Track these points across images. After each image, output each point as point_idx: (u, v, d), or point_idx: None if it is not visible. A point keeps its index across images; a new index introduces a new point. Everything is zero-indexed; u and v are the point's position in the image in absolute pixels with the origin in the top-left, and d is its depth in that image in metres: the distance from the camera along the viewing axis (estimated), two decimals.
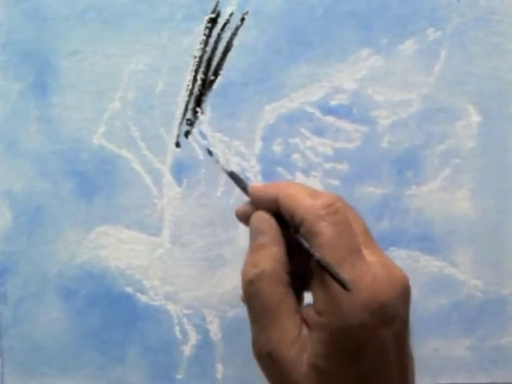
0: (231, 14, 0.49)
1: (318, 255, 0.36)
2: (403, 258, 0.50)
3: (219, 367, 0.51)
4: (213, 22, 0.49)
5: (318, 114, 0.49)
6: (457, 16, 0.49)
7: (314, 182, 0.50)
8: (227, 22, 0.49)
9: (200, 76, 0.49)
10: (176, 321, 0.51)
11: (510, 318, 0.50)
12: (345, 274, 0.35)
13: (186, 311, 0.51)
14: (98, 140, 0.50)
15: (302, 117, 0.49)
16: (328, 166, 0.50)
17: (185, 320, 0.51)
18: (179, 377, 0.51)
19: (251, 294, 0.38)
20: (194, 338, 0.51)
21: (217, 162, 0.49)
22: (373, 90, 0.49)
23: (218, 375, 0.51)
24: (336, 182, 0.50)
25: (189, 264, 0.50)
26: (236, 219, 0.50)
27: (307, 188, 0.39)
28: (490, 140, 0.49)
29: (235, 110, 0.50)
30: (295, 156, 0.50)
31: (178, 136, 0.50)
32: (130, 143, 0.50)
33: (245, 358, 0.50)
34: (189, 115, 0.50)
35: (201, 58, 0.49)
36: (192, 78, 0.49)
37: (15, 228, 0.51)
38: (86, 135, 0.50)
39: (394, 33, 0.49)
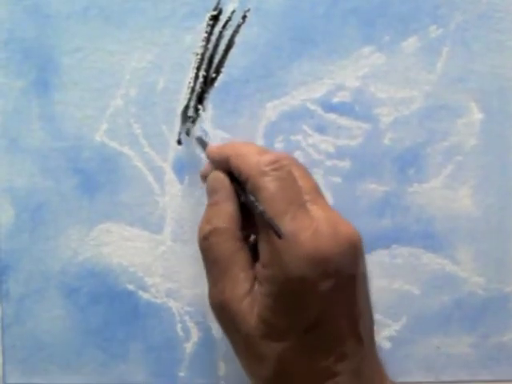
0: (233, 12, 0.49)
1: (260, 208, 0.38)
2: (405, 256, 0.50)
3: (221, 364, 0.51)
4: (215, 19, 0.49)
5: (319, 111, 0.49)
6: (459, 13, 0.49)
7: (316, 179, 0.49)
8: (229, 19, 0.49)
9: (202, 73, 0.49)
10: (178, 318, 0.51)
11: None
12: (285, 225, 0.37)
13: (187, 308, 0.51)
14: (100, 137, 0.50)
15: (304, 114, 0.49)
16: (330, 163, 0.50)
17: (187, 317, 0.51)
18: (181, 374, 0.51)
19: (205, 249, 0.41)
20: (195, 335, 0.51)
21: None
22: (375, 88, 0.49)
23: (220, 372, 0.51)
24: (338, 180, 0.50)
25: (191, 261, 0.50)
26: None
27: (258, 147, 0.42)
28: (492, 137, 0.49)
29: (237, 108, 0.50)
30: (297, 153, 0.49)
31: (180, 133, 0.50)
32: (131, 140, 0.50)
33: None
34: (190, 112, 0.50)
35: (202, 55, 0.49)
36: (194, 75, 0.49)
37: (17, 225, 0.51)
38: (88, 132, 0.50)
39: (397, 30, 0.49)
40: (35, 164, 0.50)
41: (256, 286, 0.38)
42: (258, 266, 0.39)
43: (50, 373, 0.51)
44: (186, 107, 0.50)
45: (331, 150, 0.50)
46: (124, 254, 0.51)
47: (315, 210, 0.38)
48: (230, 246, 0.40)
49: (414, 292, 0.50)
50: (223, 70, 0.49)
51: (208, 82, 0.49)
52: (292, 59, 0.49)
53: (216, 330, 0.51)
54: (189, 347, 0.51)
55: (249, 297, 0.38)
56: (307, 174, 0.41)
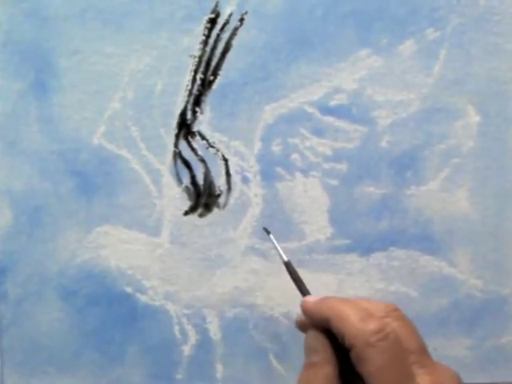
0: (231, 14, 0.49)
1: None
2: (403, 258, 0.50)
3: (219, 367, 0.51)
4: (212, 22, 0.49)
5: (317, 113, 0.49)
6: (456, 16, 0.49)
7: (314, 182, 0.50)
8: (227, 22, 0.49)
9: (199, 76, 0.49)
10: (176, 320, 0.51)
11: (509, 317, 0.50)
12: None
13: (185, 311, 0.51)
14: (98, 140, 0.50)
15: (302, 117, 0.50)
16: (327, 166, 0.50)
17: (184, 320, 0.51)
18: (179, 376, 0.51)
19: None
20: (193, 337, 0.51)
21: (274, 246, 0.47)
22: (372, 90, 0.49)
23: (218, 375, 0.51)
24: (335, 182, 0.50)
25: (188, 264, 0.50)
26: (236, 219, 0.50)
27: (359, 308, 0.39)
28: (489, 140, 0.49)
29: (234, 110, 0.50)
30: (294, 156, 0.50)
31: (178, 136, 0.50)
32: (129, 143, 0.50)
33: (244, 357, 0.51)
34: (188, 115, 0.50)
35: (200, 57, 0.49)
36: (191, 77, 0.49)
37: (15, 227, 0.51)
38: (86, 135, 0.50)
39: (394, 33, 0.49)
40: (33, 166, 0.50)
41: None
42: None
43: (48, 375, 0.51)
44: (184, 110, 0.50)
45: (329, 152, 0.50)
46: (122, 257, 0.51)
47: (421, 374, 0.37)
48: None
49: (411, 294, 0.50)
50: (221, 72, 0.49)
51: (206, 85, 0.50)
52: (290, 62, 0.49)
53: (214, 332, 0.51)
54: (186, 349, 0.51)
55: None
56: (413, 331, 0.39)
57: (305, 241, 0.50)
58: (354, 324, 0.37)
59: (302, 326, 0.43)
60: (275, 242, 0.46)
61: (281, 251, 0.46)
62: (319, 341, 0.40)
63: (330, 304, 0.40)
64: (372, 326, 0.37)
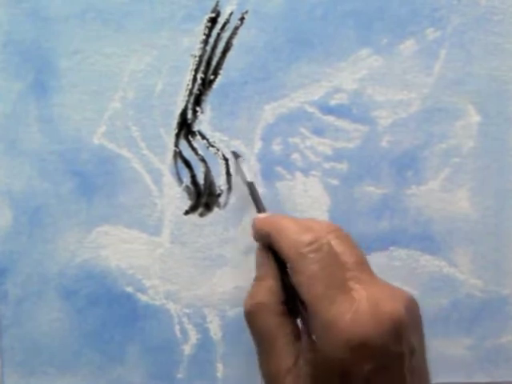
0: (231, 14, 0.49)
1: (297, 295, 0.38)
2: (403, 258, 0.50)
3: (219, 366, 0.51)
4: (213, 21, 0.49)
5: (317, 113, 0.49)
6: (457, 16, 0.49)
7: (314, 182, 0.50)
8: (227, 21, 0.49)
9: (200, 75, 0.49)
10: (176, 320, 0.51)
11: (509, 317, 0.50)
12: (323, 310, 0.36)
13: (186, 310, 0.51)
14: (99, 140, 0.50)
15: (302, 116, 0.50)
16: (328, 165, 0.50)
17: (185, 319, 0.51)
18: (179, 376, 0.51)
19: (249, 324, 0.41)
20: (194, 337, 0.51)
21: (239, 168, 0.49)
22: (373, 90, 0.49)
23: (219, 374, 0.51)
24: (335, 182, 0.50)
25: (189, 263, 0.50)
26: (235, 218, 0.50)
27: (298, 223, 0.40)
28: (489, 140, 0.49)
29: (235, 110, 0.50)
30: (295, 155, 0.50)
31: (178, 135, 0.50)
32: (130, 143, 0.50)
33: (245, 357, 0.51)
34: (189, 115, 0.50)
35: (200, 57, 0.49)
36: (192, 77, 0.49)
37: (15, 228, 0.51)
38: (86, 135, 0.50)
39: (394, 33, 0.49)
40: (33, 166, 0.50)
41: (300, 362, 0.38)
42: (303, 343, 0.38)
43: (48, 375, 0.51)
44: (185, 109, 0.50)
45: (329, 152, 0.50)
46: (122, 257, 0.51)
47: (357, 288, 0.37)
48: (272, 321, 0.40)
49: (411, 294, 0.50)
50: (221, 72, 0.49)
51: (206, 85, 0.50)
52: (290, 61, 0.49)
53: (214, 331, 0.51)
54: (187, 349, 0.51)
55: (292, 372, 0.38)
56: (351, 247, 0.39)
57: None
58: (289, 236, 0.39)
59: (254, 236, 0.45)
60: (240, 165, 0.48)
61: (245, 173, 0.48)
62: (263, 256, 0.42)
63: (272, 219, 0.42)
64: (307, 237, 0.38)
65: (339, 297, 0.36)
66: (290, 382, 0.38)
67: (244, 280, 0.50)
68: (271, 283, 0.41)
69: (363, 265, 0.39)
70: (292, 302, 0.40)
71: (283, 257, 0.39)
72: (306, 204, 0.50)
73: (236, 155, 0.49)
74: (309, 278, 0.37)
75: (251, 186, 0.47)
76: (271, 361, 0.39)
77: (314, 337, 0.36)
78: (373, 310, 0.36)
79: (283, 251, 0.39)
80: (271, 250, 0.41)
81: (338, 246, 0.38)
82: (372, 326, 0.35)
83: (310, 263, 0.37)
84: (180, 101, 0.50)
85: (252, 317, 0.41)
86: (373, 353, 0.35)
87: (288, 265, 0.39)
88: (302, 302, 0.38)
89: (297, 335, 0.39)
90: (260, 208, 0.46)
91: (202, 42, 0.49)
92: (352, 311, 0.36)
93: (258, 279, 0.42)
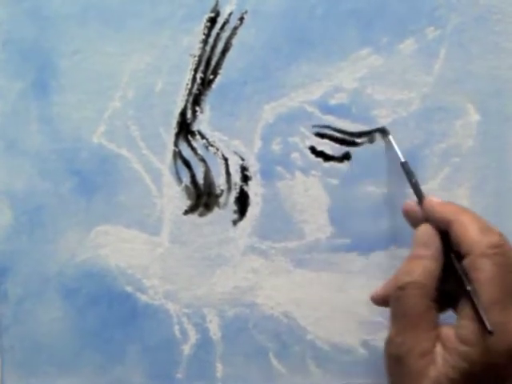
0: (230, 14, 0.49)
1: (470, 287, 0.38)
2: (403, 257, 0.49)
3: (219, 366, 0.51)
4: (212, 21, 0.49)
5: (317, 113, 0.49)
6: (456, 15, 0.49)
7: (314, 181, 0.50)
8: (226, 21, 0.49)
9: (199, 75, 0.49)
10: (176, 320, 0.51)
11: None
12: (494, 315, 0.37)
13: (185, 310, 0.51)
14: (98, 139, 0.50)
15: (302, 116, 0.49)
16: (327, 165, 0.50)
17: (184, 319, 0.51)
18: (179, 376, 0.51)
19: (398, 298, 0.41)
20: (193, 337, 0.51)
21: (391, 145, 0.48)
22: (372, 89, 0.49)
23: (218, 374, 0.51)
24: (335, 181, 0.50)
25: (188, 263, 0.50)
26: (237, 218, 0.50)
27: (480, 220, 0.41)
28: (489, 139, 0.49)
29: (234, 109, 0.50)
30: (294, 155, 0.50)
31: (178, 135, 0.50)
32: (129, 142, 0.50)
33: (244, 356, 0.51)
34: (188, 114, 0.50)
35: (200, 57, 0.49)
36: (191, 77, 0.50)
37: (15, 227, 0.51)
38: (86, 134, 0.50)
39: (394, 32, 0.49)
40: (33, 166, 0.50)
41: (438, 349, 0.39)
42: (449, 332, 0.39)
43: (48, 374, 0.51)
44: (184, 109, 0.50)
45: (329, 151, 0.50)
46: (122, 256, 0.51)
47: None
48: (423, 304, 0.40)
49: None
50: (221, 71, 0.49)
51: (205, 84, 0.50)
52: (290, 61, 0.49)
53: (214, 331, 0.51)
54: (186, 349, 0.51)
55: (428, 357, 0.39)
56: None
57: (305, 240, 0.50)
58: (475, 233, 0.39)
59: (408, 212, 0.45)
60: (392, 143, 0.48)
61: (398, 151, 0.47)
62: (432, 237, 0.42)
63: (454, 209, 0.42)
64: (492, 239, 0.39)
65: (510, 304, 0.38)
66: (422, 365, 0.38)
67: (243, 280, 0.50)
68: (434, 266, 0.41)
69: None
70: (442, 289, 0.41)
71: (463, 249, 0.39)
72: (305, 203, 0.50)
73: (385, 132, 0.49)
74: (489, 278, 0.38)
75: (405, 166, 0.47)
76: (408, 340, 0.39)
77: (489, 329, 0.37)
78: None
79: (465, 244, 0.39)
80: (441, 234, 0.42)
81: (510, 253, 0.39)
82: None
83: (493, 264, 0.38)
84: (180, 100, 0.50)
85: (404, 293, 0.40)
86: None
87: (467, 259, 0.39)
88: (475, 293, 0.38)
89: (437, 323, 0.40)
90: (418, 190, 0.45)
91: (201, 42, 0.49)
92: None
93: (417, 257, 0.42)
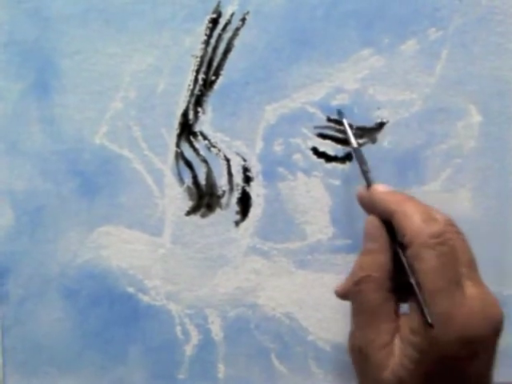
0: (232, 14, 0.49)
1: (414, 280, 0.39)
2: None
3: (221, 367, 0.51)
4: (214, 22, 0.49)
5: (319, 114, 0.49)
6: (458, 16, 0.49)
7: (315, 182, 0.50)
8: (228, 22, 0.49)
9: (201, 76, 0.49)
10: (177, 321, 0.51)
11: (509, 317, 0.50)
12: (441, 304, 0.38)
13: (187, 311, 0.51)
14: (100, 140, 0.50)
15: (304, 117, 0.49)
16: (329, 165, 0.50)
17: (186, 320, 0.51)
18: (181, 376, 0.51)
19: (355, 293, 0.41)
20: (195, 337, 0.51)
21: (344, 128, 0.48)
22: (374, 90, 0.49)
23: (220, 375, 0.51)
24: (337, 182, 0.50)
25: (190, 264, 0.50)
26: (239, 219, 0.50)
27: (423, 208, 0.41)
28: (491, 140, 0.49)
29: (236, 110, 0.50)
30: (296, 156, 0.50)
31: (180, 136, 0.50)
32: (131, 143, 0.50)
33: (246, 357, 0.51)
34: (190, 115, 0.50)
35: (202, 58, 0.49)
36: (193, 78, 0.49)
37: (17, 228, 0.51)
38: (88, 135, 0.50)
39: (396, 33, 0.49)
40: (35, 167, 0.50)
41: (396, 340, 0.39)
42: (404, 323, 0.40)
43: (50, 375, 0.51)
44: (186, 110, 0.50)
45: (331, 152, 0.50)
46: (123, 257, 0.51)
47: (469, 286, 0.39)
48: (379, 296, 0.40)
49: None
50: (222, 72, 0.49)
51: (207, 85, 0.50)
52: (291, 62, 0.49)
53: (216, 332, 0.51)
54: (188, 350, 0.51)
55: (387, 348, 0.39)
56: (466, 245, 0.41)
57: (306, 241, 0.50)
58: (417, 224, 0.39)
59: (360, 198, 0.45)
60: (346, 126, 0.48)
61: (351, 136, 0.47)
62: (378, 230, 0.42)
63: (397, 198, 0.42)
64: (434, 228, 0.39)
65: (456, 292, 0.38)
66: (382, 356, 0.39)
67: (245, 280, 0.50)
68: (383, 258, 0.41)
69: (473, 262, 0.40)
70: (397, 279, 0.41)
71: (406, 240, 0.39)
72: (307, 204, 0.50)
73: (340, 114, 0.49)
74: (432, 268, 0.38)
75: (357, 152, 0.47)
76: (367, 333, 0.40)
77: (429, 322, 0.37)
78: (483, 310, 0.38)
79: (407, 235, 0.39)
80: (385, 225, 0.42)
81: (456, 241, 0.40)
82: (482, 325, 0.38)
83: (435, 255, 0.38)
84: (181, 101, 0.50)
85: (359, 288, 0.41)
86: (477, 351, 0.38)
87: (409, 250, 0.39)
88: (418, 284, 0.38)
89: (396, 313, 0.41)
90: (368, 177, 0.45)
91: (203, 43, 0.49)
92: (466, 307, 0.38)
93: (368, 252, 0.42)
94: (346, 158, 0.49)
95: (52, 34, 0.50)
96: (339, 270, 0.50)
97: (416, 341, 0.38)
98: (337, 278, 0.50)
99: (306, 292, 0.50)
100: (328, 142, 0.49)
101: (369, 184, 0.45)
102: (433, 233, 0.39)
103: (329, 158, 0.50)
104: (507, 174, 0.49)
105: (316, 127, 0.49)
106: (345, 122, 0.48)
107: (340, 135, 0.49)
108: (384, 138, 0.49)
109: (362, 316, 0.41)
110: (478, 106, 0.49)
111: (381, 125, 0.49)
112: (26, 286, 0.51)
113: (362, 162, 0.46)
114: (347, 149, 0.49)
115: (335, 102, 0.49)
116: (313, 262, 0.50)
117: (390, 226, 0.42)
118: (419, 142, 0.49)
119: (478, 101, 0.49)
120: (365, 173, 0.45)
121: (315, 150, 0.50)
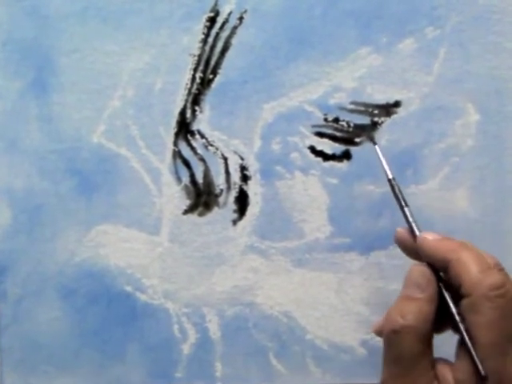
0: (230, 13, 0.49)
1: (466, 332, 0.37)
2: (403, 257, 0.50)
3: (218, 366, 0.51)
4: (211, 20, 0.49)
5: (317, 112, 0.49)
6: (456, 15, 0.49)
7: (313, 181, 0.50)
8: (226, 20, 0.49)
9: (199, 75, 0.49)
10: (175, 319, 0.51)
11: None
12: (492, 360, 0.36)
13: (185, 310, 0.51)
14: (98, 138, 0.50)
15: (301, 115, 0.49)
16: (327, 164, 0.50)
17: (184, 318, 0.51)
18: (178, 375, 0.51)
19: (392, 341, 0.39)
20: (193, 336, 0.51)
21: (380, 160, 0.45)
22: (372, 89, 0.49)
23: (217, 373, 0.51)
24: (335, 181, 0.50)
25: (188, 262, 0.50)
26: (237, 218, 0.50)
27: (479, 257, 0.39)
28: (488, 138, 0.49)
29: (234, 109, 0.50)
30: (294, 155, 0.50)
31: (177, 134, 0.50)
32: (129, 142, 0.50)
33: (244, 356, 0.51)
34: (188, 114, 0.50)
35: (199, 56, 0.49)
36: (191, 76, 0.49)
37: (15, 226, 0.51)
38: (86, 134, 0.50)
39: (393, 31, 0.49)
40: (33, 165, 0.50)
41: None
42: (446, 373, 0.38)
43: (48, 374, 0.51)
44: (184, 108, 0.50)
45: (328, 151, 0.50)
46: (121, 256, 0.51)
47: None
48: (418, 348, 0.38)
49: None
50: (220, 71, 0.49)
51: (205, 84, 0.50)
52: (289, 60, 0.49)
53: (213, 331, 0.51)
54: (186, 348, 0.51)
55: None
56: None
57: (304, 239, 0.50)
58: (475, 273, 0.37)
59: (401, 242, 0.43)
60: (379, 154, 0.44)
61: (385, 165, 0.44)
62: (428, 279, 0.40)
63: (451, 246, 0.40)
64: (493, 279, 0.37)
65: (510, 347, 0.37)
66: None
67: (243, 279, 0.50)
68: (429, 309, 0.39)
69: None
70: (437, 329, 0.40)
71: (463, 291, 0.38)
72: (305, 203, 0.50)
73: (373, 140, 0.47)
74: (489, 322, 0.36)
75: (392, 183, 0.43)
76: None
77: (483, 374, 0.36)
78: None
79: (465, 285, 0.37)
80: (436, 273, 0.40)
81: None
82: None
83: (493, 307, 0.36)
84: (179, 100, 0.50)
85: (398, 337, 0.39)
86: None
87: (466, 301, 0.37)
88: (471, 338, 0.37)
89: (432, 364, 0.39)
90: (411, 223, 0.42)
91: (201, 42, 0.49)
92: None
93: (411, 299, 0.40)
94: (344, 156, 0.49)
95: (50, 32, 0.50)
96: (337, 269, 0.50)
97: None
98: (335, 277, 0.50)
99: (304, 291, 0.50)
100: (326, 140, 0.49)
101: (412, 229, 0.42)
102: (493, 284, 0.37)
103: (326, 157, 0.50)
104: (505, 173, 0.49)
105: (314, 126, 0.49)
106: (377, 149, 0.45)
107: (338, 134, 0.49)
108: (382, 137, 0.49)
109: (397, 366, 0.39)
110: (476, 104, 0.49)
111: (375, 123, 0.49)
112: (23, 284, 0.51)
113: (399, 198, 0.43)
114: (344, 147, 0.49)
115: (333, 101, 0.49)
116: (310, 261, 0.50)
117: (438, 273, 0.40)
118: (417, 140, 0.49)
119: (476, 99, 0.49)
120: (406, 217, 0.42)
121: (313, 149, 0.50)
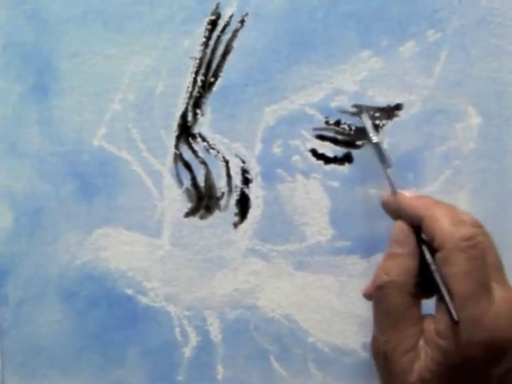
0: (231, 16, 0.49)
1: (442, 283, 0.39)
2: None
3: (219, 369, 0.51)
4: (213, 23, 0.49)
5: (318, 115, 0.49)
6: (457, 18, 0.49)
7: (315, 184, 0.50)
8: (227, 23, 0.49)
9: (200, 78, 0.49)
10: (176, 322, 0.51)
11: None
12: (469, 309, 0.37)
13: (186, 313, 0.51)
14: (99, 142, 0.50)
15: (303, 118, 0.49)
16: (328, 167, 0.50)
17: (185, 321, 0.51)
18: (179, 378, 0.51)
19: (379, 298, 0.41)
20: (194, 339, 0.51)
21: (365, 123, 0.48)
22: (373, 92, 0.49)
23: (219, 377, 0.51)
24: (336, 184, 0.50)
25: (189, 265, 0.50)
26: (238, 221, 0.50)
27: (452, 211, 0.41)
28: (490, 141, 0.49)
29: (235, 112, 0.50)
30: (295, 158, 0.50)
31: (179, 138, 0.50)
32: (130, 145, 0.50)
33: (245, 359, 0.51)
34: (189, 117, 0.50)
35: (201, 59, 0.49)
36: (192, 79, 0.49)
37: (16, 230, 0.51)
38: (87, 137, 0.50)
39: (395, 34, 0.49)
40: (34, 168, 0.50)
41: (421, 343, 0.39)
42: (429, 325, 0.40)
43: (49, 377, 0.51)
44: (185, 112, 0.50)
45: (330, 154, 0.50)
46: (122, 259, 0.51)
47: (496, 288, 0.39)
48: (403, 301, 0.40)
49: None
50: (221, 74, 0.49)
51: (206, 87, 0.50)
52: (290, 63, 0.49)
53: (214, 334, 0.51)
54: (187, 351, 0.51)
55: (412, 352, 0.39)
56: (494, 246, 0.41)
57: (305, 243, 0.50)
58: (447, 227, 0.39)
59: (390, 211, 0.45)
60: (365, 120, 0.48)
61: (370, 130, 0.47)
62: (406, 234, 0.42)
63: (425, 203, 0.42)
64: (464, 231, 0.39)
65: (484, 295, 0.38)
66: (407, 360, 0.39)
67: (244, 282, 0.50)
68: (410, 263, 0.41)
69: (500, 264, 0.40)
70: (422, 284, 0.41)
71: (436, 244, 0.39)
72: (306, 206, 0.50)
73: (359, 108, 0.49)
74: (462, 272, 0.38)
75: (377, 147, 0.46)
76: (392, 339, 0.40)
77: (456, 319, 0.37)
78: (510, 314, 0.38)
79: (437, 238, 0.39)
80: (415, 229, 0.42)
81: (485, 243, 0.40)
82: (509, 329, 0.38)
83: (466, 258, 0.38)
84: (180, 103, 0.50)
85: (383, 293, 0.41)
86: (503, 356, 0.38)
87: (440, 253, 0.39)
88: (446, 288, 0.38)
89: (419, 316, 0.40)
90: (392, 182, 0.45)
91: (202, 45, 0.49)
92: (493, 312, 0.38)
93: (393, 256, 0.42)
94: (345, 159, 0.49)
95: (51, 35, 0.50)
96: (338, 272, 0.50)
97: (442, 343, 0.38)
98: (336, 280, 0.50)
99: (306, 294, 0.50)
100: (327, 143, 0.49)
101: (393, 189, 0.45)
102: (464, 235, 0.39)
103: (328, 160, 0.49)
104: (506, 176, 0.49)
105: (315, 129, 0.49)
106: (364, 116, 0.48)
107: (339, 137, 0.49)
108: (383, 140, 0.49)
109: (385, 321, 0.41)
110: (477, 107, 0.49)
111: (376, 126, 0.49)
112: (24, 287, 0.51)
113: (383, 160, 0.46)
114: (346, 150, 0.49)
115: (334, 104, 0.49)
116: (312, 264, 0.50)
117: (417, 231, 0.42)
118: (418, 143, 0.49)
119: (477, 102, 0.49)
120: (389, 178, 0.45)
121: (314, 152, 0.50)
